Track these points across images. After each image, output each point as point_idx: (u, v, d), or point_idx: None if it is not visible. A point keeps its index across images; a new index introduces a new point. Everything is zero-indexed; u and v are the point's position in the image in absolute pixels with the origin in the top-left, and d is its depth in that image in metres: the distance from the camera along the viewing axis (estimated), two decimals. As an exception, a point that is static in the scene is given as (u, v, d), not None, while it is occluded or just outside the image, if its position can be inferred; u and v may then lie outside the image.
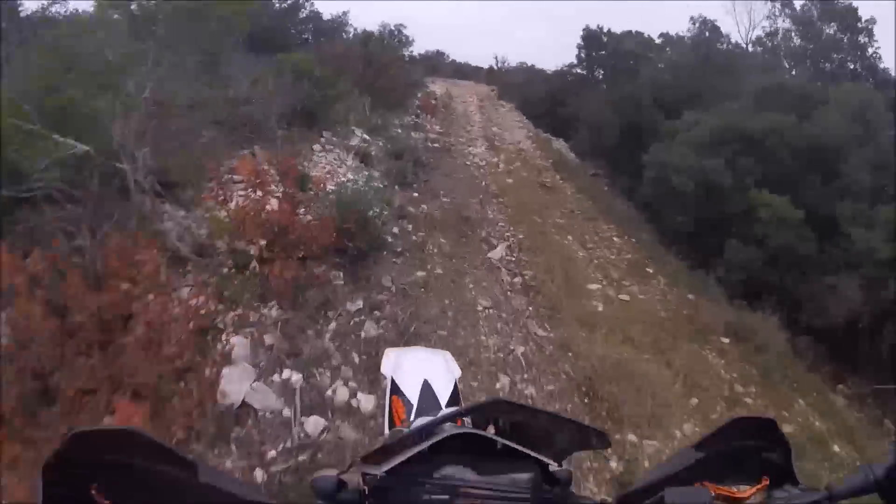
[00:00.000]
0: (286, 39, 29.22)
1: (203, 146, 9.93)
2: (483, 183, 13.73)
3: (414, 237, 8.82)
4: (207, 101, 12.63)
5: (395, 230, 8.79)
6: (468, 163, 16.04)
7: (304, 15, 34.94)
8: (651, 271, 10.13)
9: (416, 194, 11.44)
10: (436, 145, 18.46)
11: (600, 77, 29.04)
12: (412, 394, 1.73)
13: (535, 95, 33.51)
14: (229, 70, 17.48)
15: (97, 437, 0.89)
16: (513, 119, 28.24)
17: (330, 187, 10.37)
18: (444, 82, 34.93)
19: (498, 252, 8.78)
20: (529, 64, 46.44)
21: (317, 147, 12.86)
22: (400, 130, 18.79)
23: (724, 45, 21.60)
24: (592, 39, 30.27)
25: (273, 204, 7.59)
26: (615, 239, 11.42)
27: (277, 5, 33.30)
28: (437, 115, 24.43)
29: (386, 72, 21.27)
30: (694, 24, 22.72)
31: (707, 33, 22.19)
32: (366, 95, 19.06)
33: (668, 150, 12.58)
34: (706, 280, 9.99)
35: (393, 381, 1.83)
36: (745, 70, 19.37)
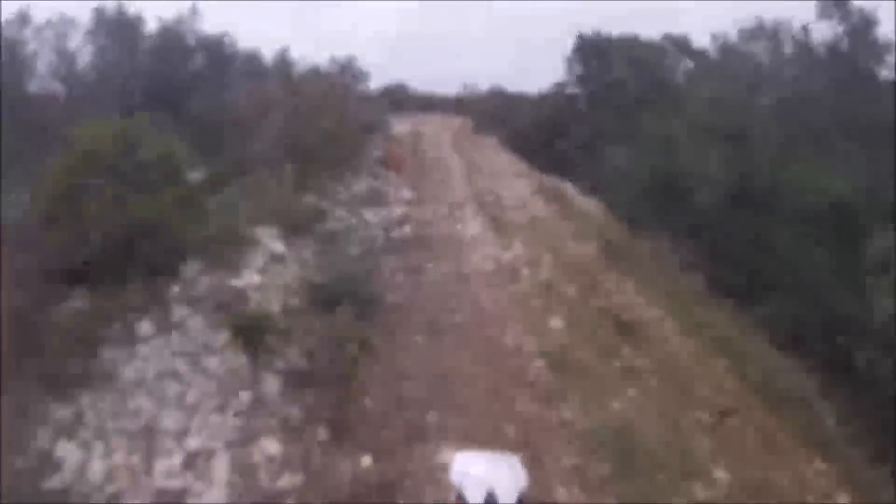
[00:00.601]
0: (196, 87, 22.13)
1: None
2: (511, 343, 6.79)
3: None
4: None
5: None
6: (466, 270, 9.27)
7: (229, 53, 27.69)
8: None
9: (367, 457, 4.52)
10: (405, 231, 11.58)
11: (605, 96, 22.46)
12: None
13: (522, 126, 27.20)
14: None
15: None
16: (502, 161, 21.72)
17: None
18: (410, 119, 28.40)
19: None
20: (501, 87, 40.30)
21: (146, 329, 5.87)
22: (346, 212, 11.86)
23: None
24: (590, 49, 23.90)
25: None
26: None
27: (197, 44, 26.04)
28: (404, 168, 17.66)
29: (323, 119, 14.39)
30: (831, 16, 14.00)
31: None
32: (288, 161, 12.14)
33: None
34: None
35: (458, 487, 1.74)
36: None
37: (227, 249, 8.27)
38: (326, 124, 14.06)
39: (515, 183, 17.64)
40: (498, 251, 10.33)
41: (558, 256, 10.18)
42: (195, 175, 12.25)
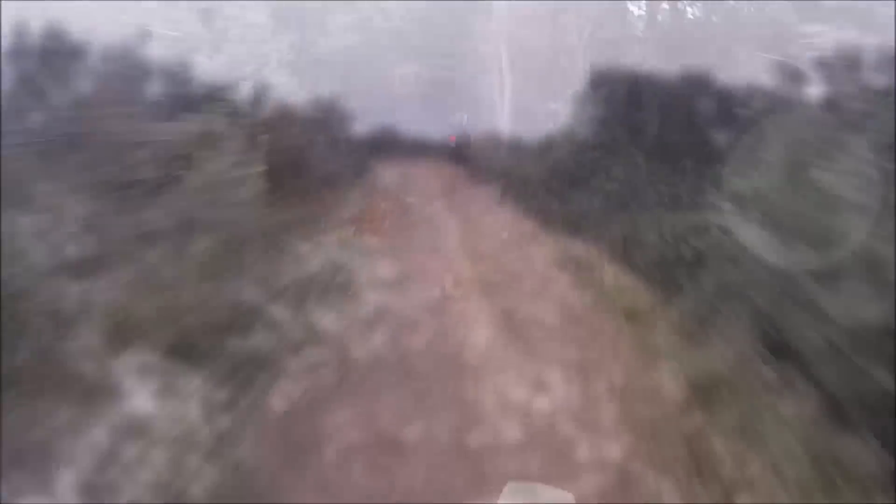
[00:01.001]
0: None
1: None
2: None
3: None
4: None
5: None
6: (475, 443, 5.47)
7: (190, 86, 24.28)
8: None
9: None
10: (375, 343, 7.60)
11: (631, 142, 19.07)
12: None
13: (527, 175, 23.82)
14: None
15: None
16: (507, 220, 18.23)
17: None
18: (395, 167, 25.04)
19: None
20: (499, 130, 37.29)
21: None
22: (287, 311, 7.88)
23: None
24: (609, 85, 20.66)
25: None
26: None
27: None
28: (383, 231, 14.05)
29: (272, 167, 10.66)
30: None
31: None
32: (205, 229, 8.25)
33: None
34: None
35: None
36: None
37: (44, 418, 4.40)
38: (273, 173, 10.24)
39: (527, 251, 13.82)
40: (525, 388, 6.38)
41: (625, 399, 6.25)
42: (68, 252, 8.41)
